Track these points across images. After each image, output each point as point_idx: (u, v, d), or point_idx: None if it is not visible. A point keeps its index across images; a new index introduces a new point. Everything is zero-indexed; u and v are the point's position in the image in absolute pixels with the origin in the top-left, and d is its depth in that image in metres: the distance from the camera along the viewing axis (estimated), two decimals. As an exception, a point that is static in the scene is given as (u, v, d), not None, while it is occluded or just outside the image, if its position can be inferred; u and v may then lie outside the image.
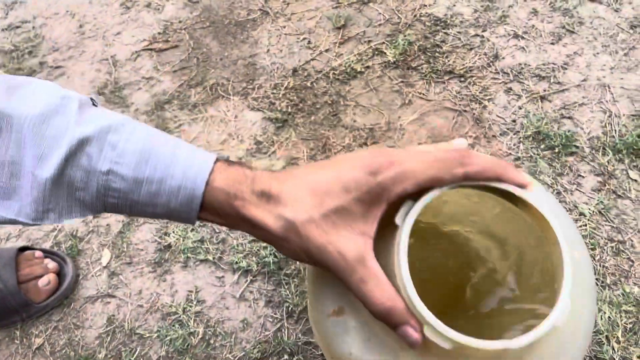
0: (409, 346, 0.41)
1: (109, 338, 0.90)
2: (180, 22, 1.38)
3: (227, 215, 0.42)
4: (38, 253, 0.97)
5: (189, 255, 0.96)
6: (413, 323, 0.39)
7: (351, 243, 0.38)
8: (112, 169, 0.41)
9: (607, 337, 0.78)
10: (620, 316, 0.80)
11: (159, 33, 1.36)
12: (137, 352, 0.87)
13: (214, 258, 0.95)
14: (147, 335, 0.89)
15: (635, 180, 0.93)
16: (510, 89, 1.09)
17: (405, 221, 0.41)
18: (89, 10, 1.44)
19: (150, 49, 1.33)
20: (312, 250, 0.39)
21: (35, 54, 1.37)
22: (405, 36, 1.22)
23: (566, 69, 1.10)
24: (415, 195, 0.41)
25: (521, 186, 0.42)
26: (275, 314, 0.88)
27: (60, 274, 0.96)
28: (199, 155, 0.42)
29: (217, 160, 0.43)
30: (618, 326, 0.79)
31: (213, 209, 0.42)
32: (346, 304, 0.46)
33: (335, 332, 0.47)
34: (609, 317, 0.80)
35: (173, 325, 0.89)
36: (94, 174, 0.40)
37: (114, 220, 1.03)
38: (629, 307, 0.80)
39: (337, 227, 0.39)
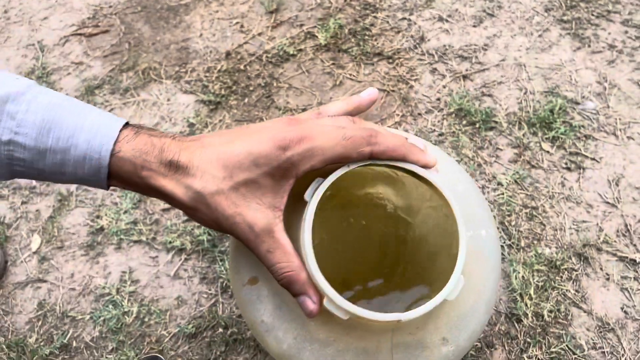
0: (307, 316, 0.43)
1: (39, 322, 0.89)
2: (110, 7, 1.36)
3: (136, 185, 0.42)
4: (-37, 241, 0.94)
5: (122, 237, 0.96)
6: (312, 294, 0.41)
7: (260, 215, 0.40)
8: (12, 139, 0.40)
9: (520, 294, 0.84)
10: (533, 275, 0.86)
11: (89, 18, 1.34)
12: (69, 335, 0.87)
13: (147, 239, 0.96)
14: (80, 317, 0.89)
15: (547, 152, 1.00)
16: (435, 69, 1.14)
17: (313, 198, 0.43)
18: (14, -6, 1.40)
19: (80, 34, 1.31)
20: (221, 220, 0.40)
21: (-44, 40, 1.32)
22: (336, 20, 1.25)
23: (486, 50, 1.16)
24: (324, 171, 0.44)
25: (425, 166, 0.44)
26: (209, 290, 0.89)
27: (-13, 261, 0.94)
28: (105, 123, 0.41)
29: (126, 125, 0.42)
30: (530, 284, 0.85)
31: (121, 178, 0.41)
32: (260, 274, 0.49)
33: (249, 299, 0.50)
34: (522, 276, 0.85)
35: (107, 306, 0.89)
36: None
37: (44, 206, 1.01)
38: (541, 266, 0.86)
39: (246, 199, 0.40)
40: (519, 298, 0.84)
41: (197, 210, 0.40)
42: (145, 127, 0.42)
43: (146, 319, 0.87)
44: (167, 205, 1.00)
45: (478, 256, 0.51)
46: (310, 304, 0.42)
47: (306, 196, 0.43)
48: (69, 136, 0.40)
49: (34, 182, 1.04)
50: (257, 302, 0.50)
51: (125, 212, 0.99)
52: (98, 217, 0.99)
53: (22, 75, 1.24)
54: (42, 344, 0.86)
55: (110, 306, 0.89)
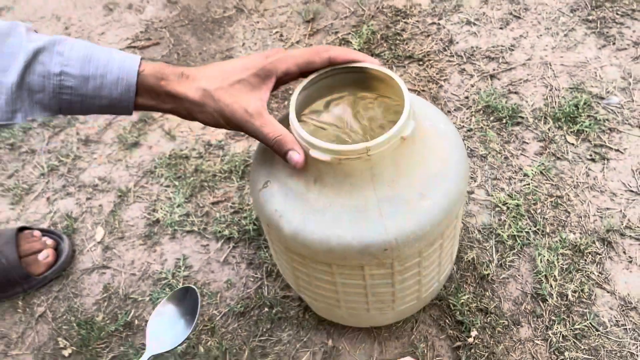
0: (295, 166, 0.60)
1: (105, 303, 0.99)
2: (160, 21, 1.47)
3: (157, 95, 0.55)
4: (36, 232, 1.05)
5: (176, 228, 1.06)
6: (298, 149, 0.58)
7: (252, 102, 0.56)
8: (63, 71, 0.53)
9: (545, 276, 0.89)
10: (557, 259, 0.91)
11: (141, 32, 1.46)
12: (131, 314, 0.96)
13: (199, 229, 1.05)
14: (140, 299, 0.98)
15: (572, 144, 1.05)
16: (464, 69, 1.20)
17: (294, 92, 0.64)
18: (74, 13, 1.53)
19: (134, 47, 1.43)
20: (224, 109, 0.55)
21: (24, 55, 1.46)
22: (369, 26, 1.33)
23: (513, 50, 1.22)
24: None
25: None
26: (255, 274, 0.98)
27: (57, 250, 1.05)
28: (129, 56, 0.56)
29: (142, 59, 0.57)
30: (555, 267, 0.90)
31: (146, 92, 0.55)
32: (270, 178, 0.67)
33: (265, 198, 0.67)
34: (547, 259, 0.91)
35: (164, 289, 0.98)
36: (48, 77, 0.53)
37: (106, 202, 1.12)
38: (565, 250, 0.92)
39: (241, 92, 0.55)
40: (544, 280, 0.89)
41: (205, 105, 0.55)
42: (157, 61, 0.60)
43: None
44: (216, 199, 1.09)
45: (439, 136, 0.69)
46: (297, 156, 0.59)
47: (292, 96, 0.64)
48: (104, 64, 0.54)
49: (96, 180, 1.16)
50: (270, 198, 0.66)
51: (179, 205, 1.09)
52: (154, 210, 1.09)
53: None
54: (107, 322, 0.96)
55: (167, 289, 0.98)
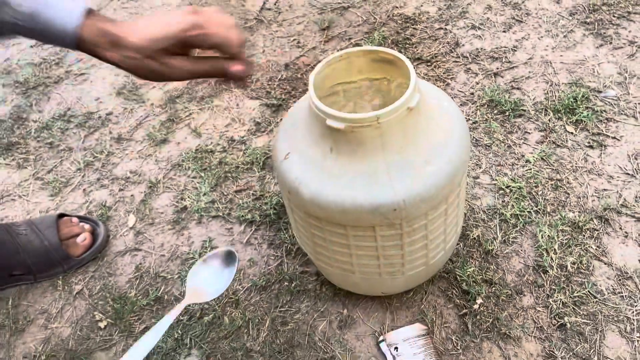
0: (239, 78, 0.63)
1: (137, 281, 1.07)
2: (186, 32, 1.59)
3: (95, 54, 0.61)
4: (74, 218, 1.15)
5: (202, 213, 1.14)
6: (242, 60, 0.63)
7: (175, 61, 0.62)
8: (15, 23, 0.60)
9: (546, 249, 0.95)
10: (557, 234, 0.97)
11: (169, 42, 1.57)
12: (161, 290, 1.04)
13: (223, 214, 1.13)
14: (169, 277, 1.06)
15: (572, 133, 1.12)
16: (469, 69, 1.29)
17: (313, 72, 0.73)
18: (107, 26, 1.66)
19: (162, 55, 1.54)
20: (154, 68, 0.61)
21: (61, 65, 1.57)
22: (380, 32, 1.42)
23: (515, 50, 1.30)
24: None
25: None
26: (276, 253, 1.06)
27: (94, 234, 1.14)
28: (73, 12, 0.61)
29: (88, 11, 0.61)
30: (555, 241, 0.96)
31: (85, 49, 0.61)
32: (290, 150, 0.76)
33: (286, 169, 0.76)
34: (548, 235, 0.97)
35: (191, 268, 1.06)
36: None
37: (137, 192, 1.21)
38: (565, 227, 0.98)
39: (163, 56, 0.61)
40: (544, 253, 0.95)
41: (137, 69, 0.62)
42: (98, 16, 0.61)
43: (224, 277, 1.04)
44: (239, 188, 1.17)
45: (443, 111, 0.78)
46: (238, 66, 0.62)
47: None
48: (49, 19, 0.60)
49: (128, 174, 1.25)
50: (290, 167, 0.76)
51: (204, 194, 1.17)
52: (182, 199, 1.18)
53: (115, 90, 1.48)
54: (139, 297, 1.04)
55: (194, 267, 1.06)
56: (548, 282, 0.92)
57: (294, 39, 1.49)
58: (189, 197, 1.18)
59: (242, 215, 1.12)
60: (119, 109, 1.41)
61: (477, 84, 1.25)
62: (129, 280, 1.08)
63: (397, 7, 1.49)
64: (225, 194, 1.17)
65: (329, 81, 0.80)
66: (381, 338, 0.90)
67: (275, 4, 1.61)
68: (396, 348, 0.88)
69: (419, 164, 0.73)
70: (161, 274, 1.07)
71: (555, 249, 0.95)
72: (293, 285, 1.00)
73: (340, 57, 0.78)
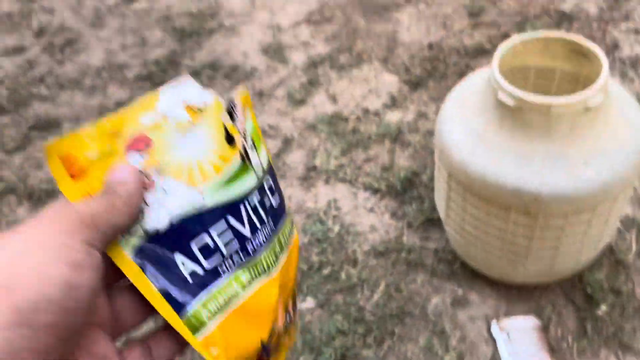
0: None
1: (264, 226, 1.14)
2: (335, 1, 1.64)
3: None
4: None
5: (330, 175, 1.20)
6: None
7: None
8: None
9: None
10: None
11: (317, 9, 1.63)
12: (285, 238, 1.11)
13: (350, 179, 1.18)
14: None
15: None
16: (626, 74, 1.23)
17: (500, 46, 0.74)
18: (260, -13, 1.74)
19: (309, 21, 1.60)
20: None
21: (214, 18, 1.68)
22: (532, 25, 1.38)
23: (681, 61, 1.22)
24: None
25: None
26: (397, 224, 1.09)
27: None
28: None
29: None
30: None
31: None
32: (457, 118, 0.81)
33: (446, 129, 0.80)
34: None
35: (315, 223, 1.12)
36: None
37: (272, 146, 1.29)
38: None
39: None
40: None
41: None
42: None
43: (344, 237, 1.09)
44: (368, 155, 1.21)
45: (624, 121, 0.73)
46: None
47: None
48: None
49: (265, 127, 1.33)
50: (451, 129, 0.80)
51: (335, 157, 1.22)
52: (313, 157, 1.24)
53: (262, 48, 1.56)
54: (264, 240, 1.11)
55: (318, 223, 1.12)
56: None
57: (441, 21, 1.49)
58: (320, 157, 1.23)
59: (369, 182, 1.16)
60: (263, 65, 1.49)
61: (634, 92, 1.19)
62: (256, 223, 1.15)
63: (554, 2, 1.44)
64: (354, 160, 1.21)
65: (517, 59, 0.80)
66: (494, 322, 0.91)
67: (425, -16, 1.61)
68: (508, 335, 0.88)
69: (578, 163, 0.71)
70: (286, 223, 1.14)
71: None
72: (411, 256, 1.02)
73: (538, 39, 0.78)
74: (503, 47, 0.75)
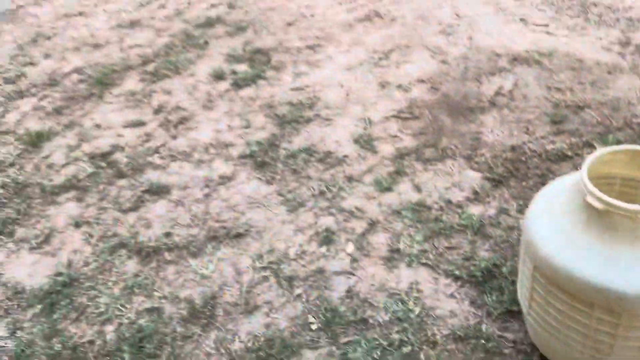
0: None
1: (348, 300, 1.22)
2: (423, 101, 1.78)
3: None
4: (305, 234, 1.35)
5: (413, 258, 1.27)
6: None
7: None
8: None
9: None
10: None
11: (406, 107, 1.78)
12: (367, 313, 1.18)
13: (432, 264, 1.25)
14: (376, 304, 1.20)
15: None
16: None
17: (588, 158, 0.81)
18: (355, 85, 1.93)
19: (397, 117, 1.75)
20: None
21: (312, 108, 1.87)
22: (615, 136, 1.46)
23: None
24: None
25: None
26: (477, 312, 1.14)
27: (318, 251, 1.33)
28: None
29: None
30: None
31: None
32: (546, 213, 0.89)
33: (533, 225, 0.86)
34: None
35: (396, 302, 1.19)
36: None
37: (359, 226, 1.39)
38: None
39: None
40: None
41: None
42: None
43: (425, 319, 1.15)
44: (450, 244, 1.29)
45: None
46: None
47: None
48: None
49: (353, 209, 1.44)
50: (539, 226, 0.87)
51: (418, 242, 1.31)
52: (397, 241, 1.32)
53: (353, 138, 1.70)
54: (348, 313, 1.19)
55: (399, 303, 1.19)
56: None
57: (524, 125, 1.59)
58: (403, 241, 1.32)
59: (451, 269, 1.22)
60: (354, 154, 1.63)
61: None
62: (341, 297, 1.23)
63: (636, 116, 1.51)
64: (436, 247, 1.29)
65: (604, 168, 0.88)
66: (573, 419, 0.92)
67: (510, 92, 1.74)
68: None
69: None
70: (369, 299, 1.21)
71: None
72: (489, 344, 1.06)
73: (626, 151, 0.86)
74: (592, 157, 0.83)
